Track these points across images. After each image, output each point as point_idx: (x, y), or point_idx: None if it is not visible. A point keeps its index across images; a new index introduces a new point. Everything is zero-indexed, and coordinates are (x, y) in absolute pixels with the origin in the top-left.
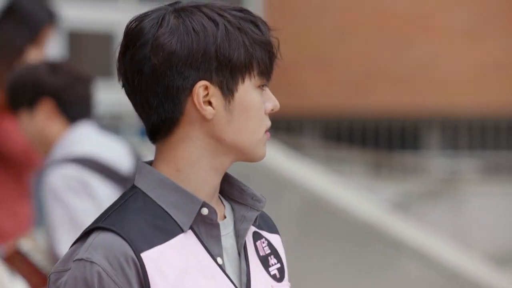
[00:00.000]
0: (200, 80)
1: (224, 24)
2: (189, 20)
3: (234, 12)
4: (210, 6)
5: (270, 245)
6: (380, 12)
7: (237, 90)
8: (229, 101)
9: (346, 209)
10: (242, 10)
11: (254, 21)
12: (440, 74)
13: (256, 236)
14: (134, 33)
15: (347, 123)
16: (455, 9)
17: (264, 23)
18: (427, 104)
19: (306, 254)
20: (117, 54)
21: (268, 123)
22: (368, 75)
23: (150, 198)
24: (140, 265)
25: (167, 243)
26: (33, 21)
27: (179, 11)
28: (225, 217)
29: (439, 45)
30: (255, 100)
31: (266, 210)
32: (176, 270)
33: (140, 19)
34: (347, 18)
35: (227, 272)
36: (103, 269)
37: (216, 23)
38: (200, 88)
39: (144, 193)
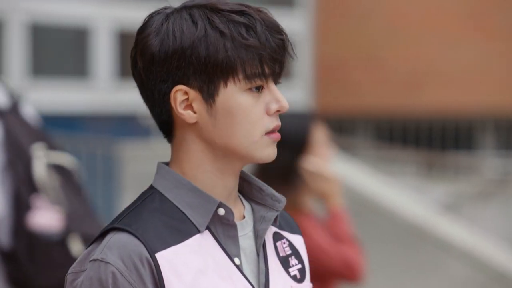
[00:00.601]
0: (177, 84)
1: (205, 28)
2: (172, 23)
3: (229, 14)
4: (208, 6)
5: (291, 245)
6: (432, 11)
7: (218, 94)
8: (211, 105)
9: (394, 210)
10: (242, 12)
11: (247, 24)
12: (493, 73)
13: (277, 237)
14: (137, 31)
15: (399, 123)
16: (508, 8)
17: (268, 26)
18: (480, 103)
19: None
20: None
21: (269, 125)
22: (420, 74)
23: (167, 198)
24: (155, 265)
25: (183, 243)
26: None
27: (173, 12)
28: (244, 217)
29: (491, 44)
30: (242, 104)
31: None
32: (192, 271)
33: (149, 16)
34: (398, 17)
35: (245, 272)
36: (117, 269)
37: (196, 26)
38: (178, 92)
39: (161, 193)
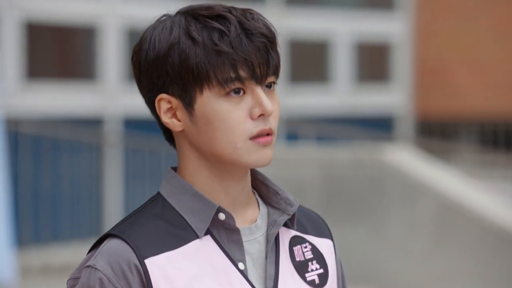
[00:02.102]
0: (160, 93)
1: (179, 35)
2: (155, 32)
3: (205, 20)
4: (191, 12)
5: (314, 249)
6: None
7: (196, 101)
8: (191, 113)
9: (483, 215)
10: (219, 16)
11: (221, 29)
12: None
13: (295, 241)
14: None
15: (504, 127)
16: None
17: (247, 29)
18: None
19: (440, 260)
20: None
21: (253, 129)
22: None
23: (170, 204)
24: (144, 272)
25: (178, 249)
26: None
27: (163, 21)
28: (256, 221)
29: None
30: (219, 110)
31: (399, 214)
32: (185, 277)
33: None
34: (503, 19)
35: (251, 277)
36: (105, 275)
37: (171, 34)
38: (161, 101)
39: (164, 199)
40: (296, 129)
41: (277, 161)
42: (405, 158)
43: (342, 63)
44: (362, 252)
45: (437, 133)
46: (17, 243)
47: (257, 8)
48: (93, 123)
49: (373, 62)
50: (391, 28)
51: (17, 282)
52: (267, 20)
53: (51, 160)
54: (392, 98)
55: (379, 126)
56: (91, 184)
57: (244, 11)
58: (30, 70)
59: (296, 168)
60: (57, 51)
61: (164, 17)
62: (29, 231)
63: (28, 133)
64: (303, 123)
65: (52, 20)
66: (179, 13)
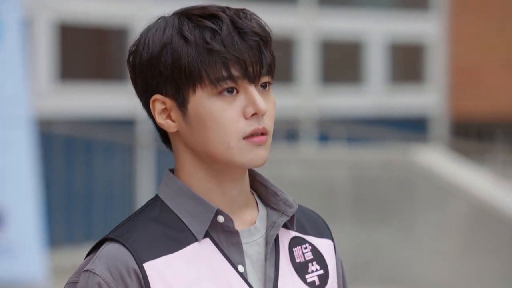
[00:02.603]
0: (154, 94)
1: (172, 35)
2: (149, 33)
3: (198, 20)
4: (185, 13)
5: (314, 250)
6: None
7: (188, 101)
8: (184, 113)
9: None
10: (212, 16)
11: (213, 28)
12: None
13: (295, 242)
14: None
15: None
16: None
17: (240, 28)
18: None
19: (471, 262)
20: None
21: (246, 128)
22: None
23: (168, 207)
24: (142, 276)
25: (176, 252)
26: None
27: (159, 21)
28: (255, 223)
29: None
30: (211, 109)
31: (430, 216)
32: (183, 281)
33: None
34: None
35: (251, 279)
36: (103, 280)
37: (164, 35)
38: (155, 102)
39: (163, 202)
40: (328, 130)
41: (307, 162)
42: (435, 159)
43: (375, 63)
44: (392, 253)
45: (472, 134)
46: (49, 243)
47: (289, 10)
48: (126, 124)
49: (406, 63)
50: (425, 28)
51: (49, 282)
52: (261, 20)
53: (83, 161)
54: (426, 99)
55: (413, 127)
56: (123, 184)
57: (238, 11)
58: (63, 71)
59: (326, 169)
60: (90, 52)
61: (160, 19)
62: (62, 231)
63: (61, 133)
64: (335, 124)
65: (86, 21)
66: (174, 14)
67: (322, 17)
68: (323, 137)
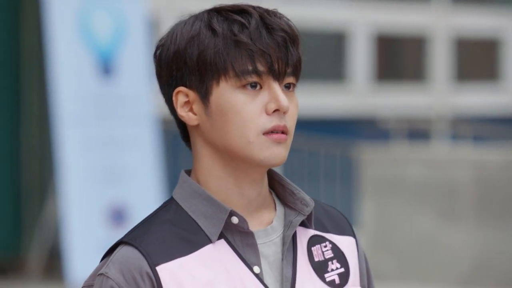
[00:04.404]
0: (178, 86)
1: (200, 28)
2: (179, 27)
3: (228, 14)
4: (217, 9)
5: (334, 248)
6: None
7: (211, 93)
8: (207, 106)
9: None
10: (242, 11)
11: (242, 22)
12: None
13: (314, 240)
14: None
15: None
16: None
17: (268, 24)
18: None
19: None
20: None
21: (267, 124)
22: None
23: (182, 209)
24: (155, 279)
25: (191, 255)
26: None
27: (189, 18)
28: (272, 223)
29: None
30: (233, 101)
31: None
32: (198, 283)
33: None
34: None
35: (267, 280)
36: (116, 284)
37: (192, 27)
38: (179, 94)
39: (177, 203)
40: (461, 129)
41: (430, 162)
42: None
43: None
44: None
45: None
46: None
47: (422, 6)
48: None
49: None
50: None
51: None
52: (291, 22)
53: None
54: (503, 99)
55: None
56: None
57: (268, 10)
58: None
59: (450, 169)
60: None
61: (190, 16)
62: None
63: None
64: (468, 123)
65: None
66: (205, 10)
67: (456, 14)
68: (455, 137)
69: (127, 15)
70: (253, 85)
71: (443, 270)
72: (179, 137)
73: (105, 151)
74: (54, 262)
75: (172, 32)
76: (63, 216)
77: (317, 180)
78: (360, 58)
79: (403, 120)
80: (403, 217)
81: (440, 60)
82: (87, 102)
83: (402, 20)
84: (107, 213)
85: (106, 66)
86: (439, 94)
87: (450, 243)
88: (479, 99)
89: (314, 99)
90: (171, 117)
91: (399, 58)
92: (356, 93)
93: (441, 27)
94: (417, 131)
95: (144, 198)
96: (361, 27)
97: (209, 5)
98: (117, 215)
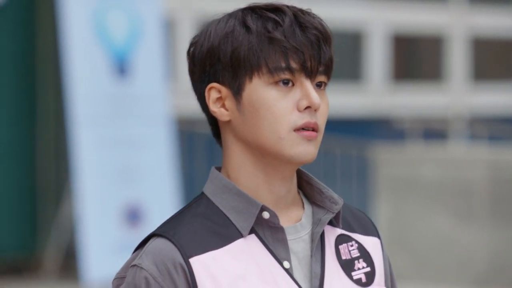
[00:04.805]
0: (210, 82)
1: (234, 25)
2: (213, 25)
3: (262, 11)
4: (252, 7)
5: (360, 248)
6: None
7: (244, 89)
8: (239, 101)
9: None
10: (276, 9)
11: (276, 19)
12: None
13: (341, 239)
14: None
15: None
16: None
17: (301, 22)
18: None
19: None
20: None
21: (298, 121)
22: None
23: (214, 203)
24: (189, 270)
25: (223, 248)
26: None
27: (223, 16)
28: (301, 220)
29: None
30: (266, 98)
31: None
32: (230, 276)
33: None
34: None
35: (297, 276)
36: (150, 274)
37: (226, 25)
38: (211, 90)
39: (208, 198)
40: (477, 129)
41: (445, 161)
42: None
43: None
44: None
45: None
46: None
47: (439, 6)
48: None
49: None
50: None
51: None
52: (324, 21)
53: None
54: None
55: None
56: None
57: (302, 9)
58: None
59: (464, 169)
60: None
61: (225, 14)
62: None
63: (204, 132)
64: (487, 123)
65: None
66: (239, 9)
67: (473, 14)
68: (472, 137)
69: (143, 15)
70: (286, 82)
71: (458, 270)
72: (194, 136)
73: (120, 151)
74: (69, 262)
75: (206, 30)
76: (78, 216)
77: (333, 180)
78: (377, 57)
79: (419, 120)
80: (419, 216)
81: (457, 60)
82: (102, 102)
83: (419, 20)
84: (123, 213)
85: (121, 66)
86: (456, 94)
87: (465, 242)
88: (495, 99)
89: (330, 99)
90: (186, 117)
91: (415, 58)
92: (373, 93)
93: (458, 26)
94: (433, 131)
95: (159, 198)
96: (378, 26)
97: (225, 6)
98: (133, 215)
